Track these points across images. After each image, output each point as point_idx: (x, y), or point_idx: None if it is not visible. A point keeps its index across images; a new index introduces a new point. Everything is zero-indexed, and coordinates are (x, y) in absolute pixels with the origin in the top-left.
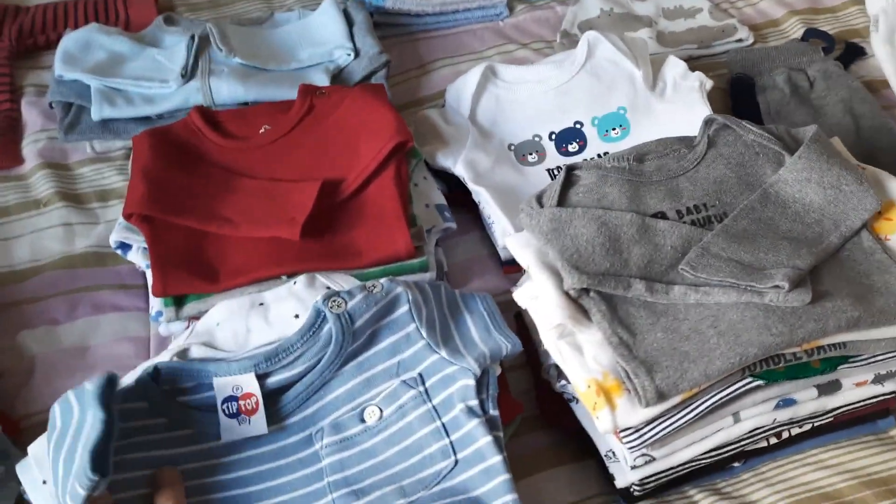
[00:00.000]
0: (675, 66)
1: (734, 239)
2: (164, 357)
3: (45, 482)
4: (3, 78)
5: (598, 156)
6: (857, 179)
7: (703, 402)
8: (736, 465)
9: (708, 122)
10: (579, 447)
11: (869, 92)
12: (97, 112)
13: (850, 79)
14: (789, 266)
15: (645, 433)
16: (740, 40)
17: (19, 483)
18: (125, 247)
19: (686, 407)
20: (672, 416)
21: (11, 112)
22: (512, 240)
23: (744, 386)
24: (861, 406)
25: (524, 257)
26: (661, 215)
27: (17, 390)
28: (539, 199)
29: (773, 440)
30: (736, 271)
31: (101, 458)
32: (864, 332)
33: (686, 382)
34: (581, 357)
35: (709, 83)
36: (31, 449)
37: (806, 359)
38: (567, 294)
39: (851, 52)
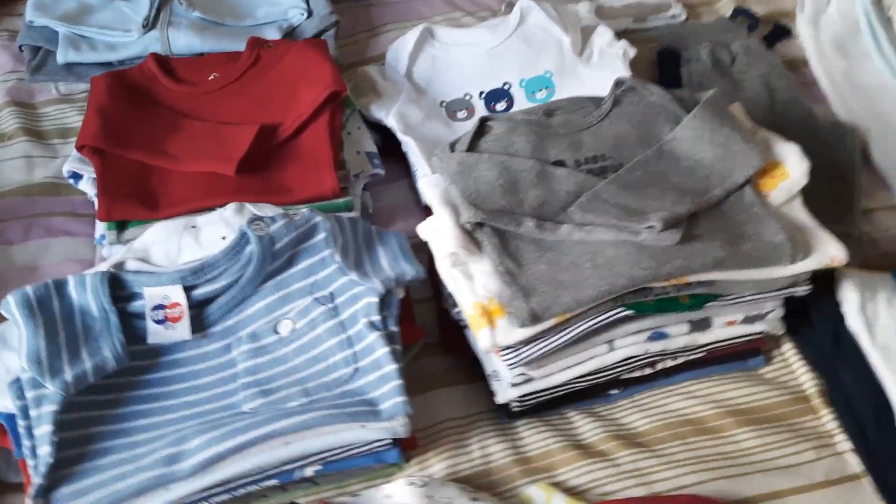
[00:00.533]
0: (602, 35)
1: (624, 187)
2: (102, 268)
3: None
4: None
5: None
6: (745, 139)
7: (576, 328)
8: (614, 392)
9: (617, 84)
10: (472, 371)
11: (788, 69)
12: (62, 56)
13: (771, 56)
14: (667, 211)
15: (522, 353)
16: (674, 16)
17: None
18: (77, 177)
19: (560, 331)
20: (547, 339)
21: None
22: (423, 181)
23: (615, 315)
24: (732, 344)
25: (430, 196)
26: (561, 163)
27: None
28: (452, 145)
29: (648, 370)
30: (619, 214)
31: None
32: (730, 272)
33: (558, 307)
34: (471, 284)
35: (632, 51)
36: None
37: (674, 293)
38: (463, 228)
39: (778, 31)
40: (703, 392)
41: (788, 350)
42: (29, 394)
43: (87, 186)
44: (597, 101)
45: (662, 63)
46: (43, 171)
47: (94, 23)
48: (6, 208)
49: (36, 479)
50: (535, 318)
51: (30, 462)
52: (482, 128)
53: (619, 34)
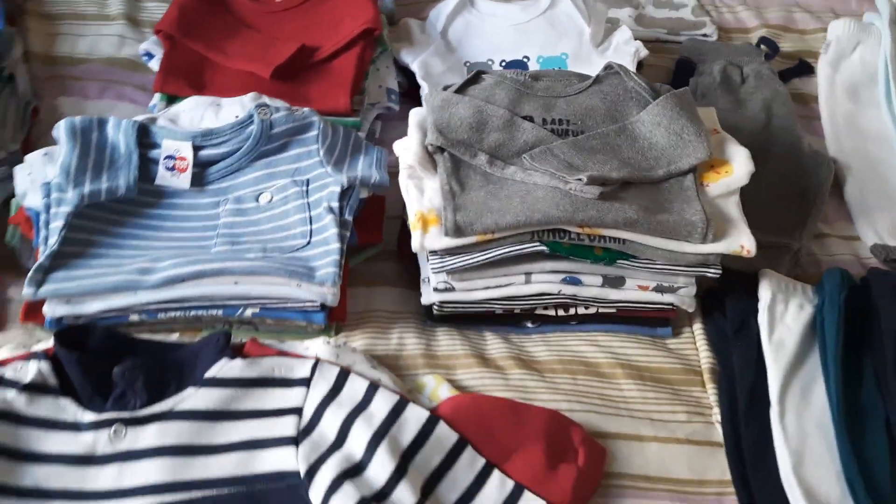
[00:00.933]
0: (622, 33)
1: (576, 148)
2: (140, 119)
3: (29, 173)
4: None
5: None
6: (698, 133)
7: (495, 250)
8: (529, 325)
9: (607, 67)
10: (415, 280)
11: (799, 102)
12: None
13: (778, 83)
14: (598, 171)
15: (446, 261)
16: (705, 35)
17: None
18: (149, 56)
19: (481, 250)
20: (468, 254)
21: None
22: (413, 111)
23: (530, 247)
24: (643, 309)
25: (411, 120)
26: (530, 119)
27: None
28: (446, 87)
29: (562, 312)
30: (560, 166)
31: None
32: (640, 236)
33: (479, 225)
34: (420, 196)
35: (644, 52)
36: (27, 157)
37: (588, 243)
38: (426, 149)
39: (801, 67)
40: (607, 343)
41: (698, 330)
42: (53, 195)
43: (155, 65)
44: (582, 77)
45: (678, 71)
46: (129, 49)
47: None
48: (92, 71)
49: (40, 260)
50: (458, 231)
51: (42, 249)
52: (475, 78)
53: (652, 41)
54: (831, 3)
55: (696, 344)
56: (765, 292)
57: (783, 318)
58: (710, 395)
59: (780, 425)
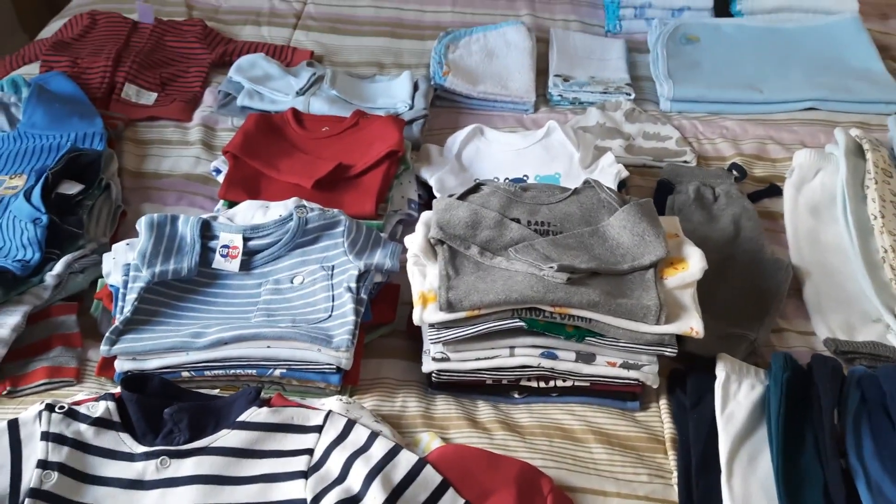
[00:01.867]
0: (607, 158)
1: (554, 245)
2: (204, 216)
3: (114, 258)
4: (201, 74)
5: None
6: (656, 235)
7: (482, 325)
8: (516, 396)
9: (585, 182)
10: (420, 354)
11: (768, 219)
12: (241, 101)
13: (746, 202)
14: (568, 262)
15: (441, 333)
16: (685, 161)
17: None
18: (218, 171)
19: (470, 325)
20: (460, 328)
21: (198, 93)
22: (423, 213)
23: (511, 323)
24: (612, 383)
25: (419, 220)
26: (517, 220)
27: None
28: (451, 194)
29: (542, 384)
30: (538, 258)
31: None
32: (604, 316)
33: (468, 302)
34: (423, 279)
35: (625, 173)
36: (113, 246)
37: (560, 320)
38: (428, 241)
39: (772, 189)
40: (581, 413)
41: (663, 404)
42: (131, 273)
43: (222, 178)
44: (563, 189)
45: (658, 190)
46: (202, 167)
47: (269, 86)
48: (171, 184)
49: (115, 324)
50: (450, 306)
51: (118, 317)
52: (475, 188)
53: (638, 167)
54: (801, 137)
55: (661, 416)
56: (720, 372)
57: (735, 395)
58: (671, 461)
59: (728, 486)
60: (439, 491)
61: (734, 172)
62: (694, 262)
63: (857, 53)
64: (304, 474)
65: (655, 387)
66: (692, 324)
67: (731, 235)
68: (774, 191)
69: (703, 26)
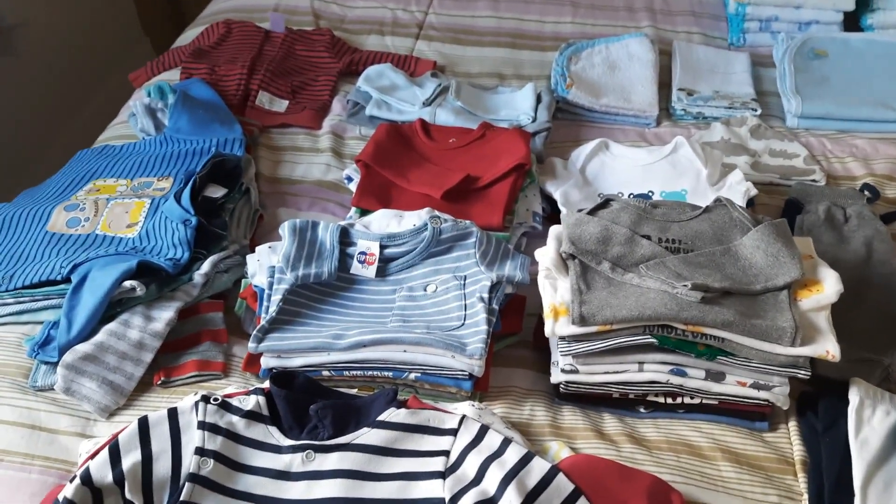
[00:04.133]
0: (735, 175)
1: (686, 263)
2: (342, 223)
3: (258, 260)
4: (329, 83)
5: None
6: (791, 255)
7: (613, 339)
8: (642, 410)
9: (716, 200)
10: (547, 365)
11: (892, 238)
12: (370, 111)
13: (879, 224)
14: (702, 280)
15: (572, 346)
16: (814, 181)
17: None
18: (350, 179)
19: (602, 339)
20: (591, 342)
21: (327, 101)
22: (552, 227)
23: (642, 339)
24: (741, 403)
25: (550, 233)
26: (647, 237)
27: (267, 231)
28: (580, 209)
29: (669, 400)
30: (671, 276)
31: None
32: (738, 336)
33: (601, 317)
34: (554, 292)
35: (753, 191)
36: (257, 248)
37: (692, 339)
38: (560, 255)
39: None
40: (709, 431)
41: (792, 426)
42: (275, 276)
43: (353, 186)
44: (694, 207)
45: (786, 209)
46: (333, 175)
47: (396, 96)
48: (304, 190)
49: (262, 323)
50: (582, 321)
51: (263, 317)
52: (605, 203)
53: (765, 185)
54: None
55: (790, 438)
56: (854, 396)
57: (870, 421)
58: (801, 483)
59: None
60: (572, 498)
61: (866, 193)
62: (829, 285)
63: None
64: (442, 475)
65: (785, 408)
66: (828, 347)
67: (863, 258)
68: None
69: (832, 41)
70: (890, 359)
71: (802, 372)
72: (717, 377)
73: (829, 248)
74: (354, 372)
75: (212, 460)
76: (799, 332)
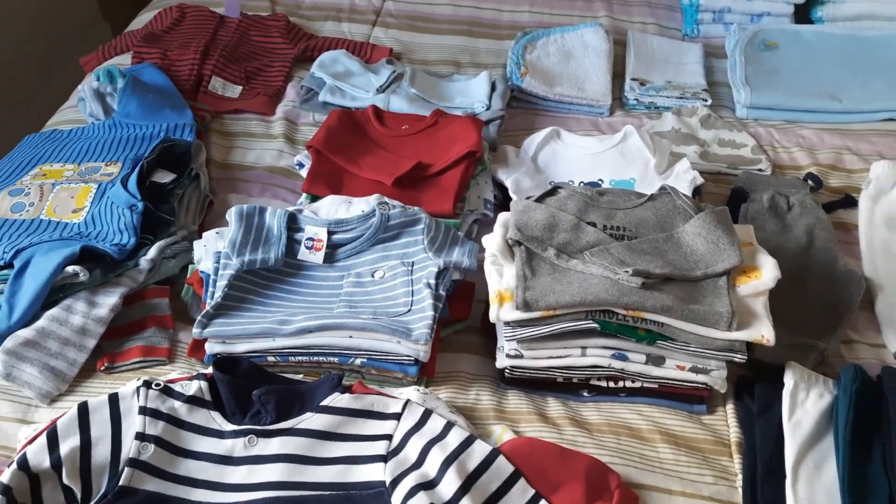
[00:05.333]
0: (682, 164)
1: (629, 249)
2: (290, 209)
3: (205, 245)
4: (284, 69)
5: None
6: (731, 242)
7: (556, 324)
8: (585, 394)
9: (661, 188)
10: (493, 350)
11: (842, 230)
12: (323, 97)
13: (821, 212)
14: (643, 267)
15: (516, 331)
16: (760, 170)
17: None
18: (301, 165)
19: (545, 324)
20: (534, 327)
21: (281, 87)
22: (501, 214)
23: (585, 324)
24: (681, 386)
25: (497, 220)
26: (593, 224)
27: (216, 217)
28: (528, 196)
29: (612, 384)
30: (613, 262)
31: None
32: (676, 321)
33: (543, 302)
34: (500, 278)
35: (700, 180)
36: (204, 234)
37: (632, 324)
38: (506, 241)
39: (847, 200)
40: (649, 413)
41: (729, 409)
42: (222, 261)
43: (304, 172)
44: (639, 195)
45: (732, 198)
46: (285, 161)
47: (350, 82)
48: (256, 176)
49: (206, 309)
50: (526, 306)
51: (208, 302)
52: (553, 191)
53: (713, 174)
54: (879, 149)
55: (727, 421)
56: (789, 380)
57: (803, 404)
58: (736, 464)
59: (793, 491)
60: (511, 480)
61: (809, 182)
62: (767, 271)
63: None
64: (384, 458)
65: (723, 392)
66: (763, 331)
67: (804, 246)
68: (850, 202)
69: (783, 32)
70: (826, 343)
71: (739, 356)
72: (657, 361)
73: (772, 236)
74: (300, 358)
75: (152, 445)
76: (735, 317)
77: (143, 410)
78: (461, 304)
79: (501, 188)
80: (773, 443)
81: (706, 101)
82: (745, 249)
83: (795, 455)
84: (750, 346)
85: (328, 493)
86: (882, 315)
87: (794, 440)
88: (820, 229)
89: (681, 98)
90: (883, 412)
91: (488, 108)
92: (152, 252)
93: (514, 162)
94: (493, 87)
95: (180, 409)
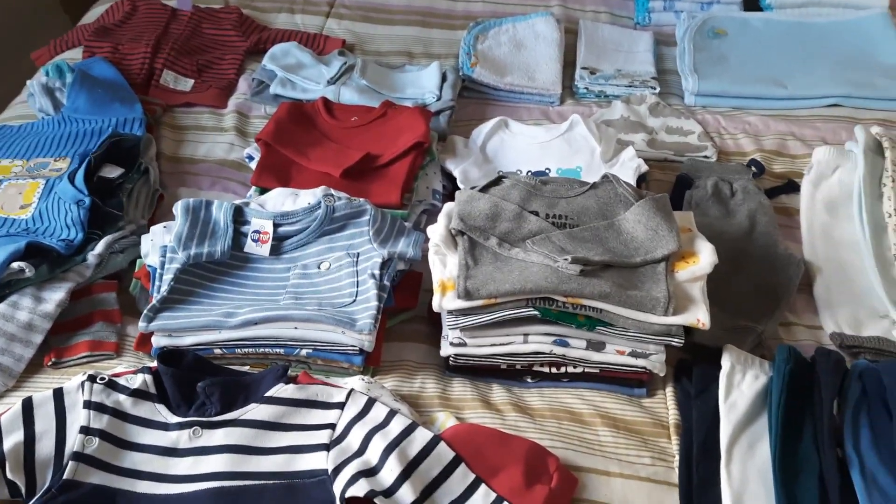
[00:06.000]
0: (628, 152)
1: (570, 237)
2: (237, 202)
3: (152, 240)
4: (236, 62)
5: None
6: (669, 229)
7: (498, 312)
8: (528, 380)
9: (603, 177)
10: (441, 338)
11: (784, 214)
12: (274, 89)
13: (763, 197)
14: (583, 254)
15: (459, 320)
16: (706, 157)
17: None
18: (251, 158)
19: (487, 312)
20: (477, 315)
21: (233, 80)
22: (445, 204)
23: (525, 312)
24: (621, 370)
25: (442, 210)
26: (535, 213)
27: (166, 211)
28: (473, 186)
29: (554, 370)
30: (554, 250)
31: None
32: (614, 307)
33: (485, 291)
34: (443, 268)
35: (644, 167)
36: (151, 228)
37: (572, 310)
38: (449, 231)
39: (789, 185)
40: (590, 398)
41: (669, 392)
42: (168, 255)
43: (254, 165)
44: (582, 183)
45: (677, 185)
46: (236, 154)
47: (301, 74)
48: (206, 169)
49: (153, 302)
50: (467, 294)
51: (155, 296)
52: (497, 180)
53: (660, 161)
54: (823, 134)
55: (666, 403)
56: (726, 362)
57: (739, 385)
58: (674, 445)
59: (726, 471)
60: (452, 466)
61: (752, 168)
62: (705, 257)
63: (885, 49)
64: (327, 447)
65: (662, 375)
66: (699, 315)
67: (746, 230)
68: (792, 187)
69: (732, 20)
70: (764, 326)
71: (676, 340)
72: (598, 346)
73: (715, 222)
74: (246, 349)
75: (97, 439)
76: (672, 302)
77: (88, 404)
78: (408, 293)
79: (450, 178)
80: (708, 424)
81: (654, 89)
82: (684, 235)
83: (730, 436)
84: (689, 330)
85: (271, 482)
86: (820, 298)
87: (728, 421)
88: (762, 214)
89: (630, 86)
90: (815, 392)
91: (439, 98)
92: (100, 247)
93: (462, 152)
94: (443, 78)
95: (125, 402)
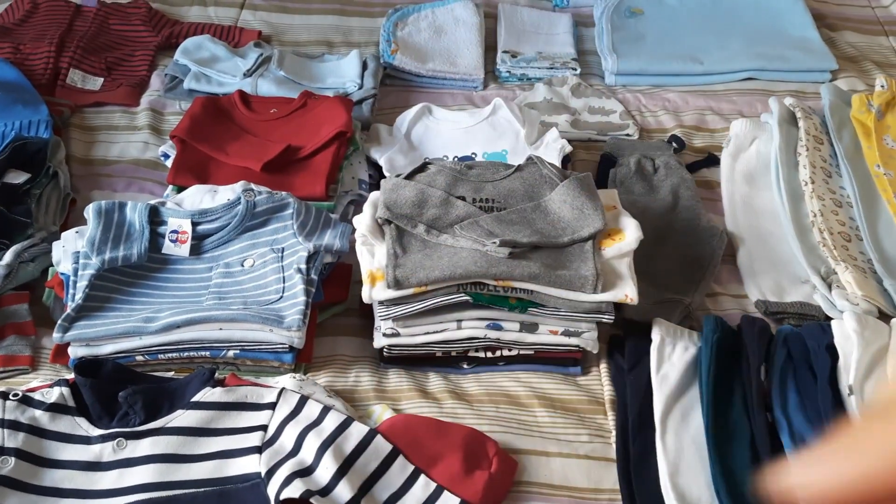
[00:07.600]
0: (552, 134)
1: (498, 221)
2: (152, 202)
3: (63, 246)
4: (147, 58)
5: None
6: (594, 208)
7: (430, 300)
8: (465, 366)
9: (528, 159)
10: (372, 331)
11: (706, 188)
12: (188, 84)
13: (684, 172)
14: (511, 237)
15: (391, 310)
16: (628, 135)
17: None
18: (166, 156)
19: (418, 300)
20: (408, 304)
21: (145, 77)
22: (371, 193)
23: (457, 298)
24: (555, 350)
25: (368, 200)
26: (462, 198)
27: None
28: (398, 174)
29: (490, 354)
30: (483, 234)
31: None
32: (544, 287)
33: (414, 279)
34: (371, 258)
35: (568, 148)
36: (63, 234)
37: (503, 293)
38: (376, 221)
39: (710, 159)
40: (526, 380)
41: (603, 368)
42: (81, 261)
43: (170, 163)
44: (507, 166)
45: (601, 164)
46: (151, 153)
47: (216, 67)
48: (120, 170)
49: (67, 311)
50: (397, 283)
51: (70, 305)
52: (422, 167)
53: (584, 141)
54: (739, 107)
55: (601, 380)
56: (655, 336)
57: (670, 357)
58: (610, 421)
59: (661, 442)
60: (389, 459)
61: (673, 144)
62: (630, 233)
63: (793, 22)
64: (259, 449)
65: (595, 352)
66: (627, 291)
67: (669, 205)
68: (712, 160)
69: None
70: (691, 298)
71: (606, 317)
72: (531, 328)
73: (640, 198)
74: (170, 355)
75: (13, 458)
76: (600, 280)
77: (2, 423)
78: (338, 286)
79: (376, 167)
80: (642, 397)
81: (575, 70)
82: (610, 213)
83: (663, 407)
84: (619, 306)
85: (202, 490)
86: (743, 267)
87: (661, 393)
88: (684, 189)
89: (551, 68)
90: (743, 360)
91: (361, 87)
92: (7, 257)
93: (387, 140)
94: (364, 66)
95: (41, 417)
